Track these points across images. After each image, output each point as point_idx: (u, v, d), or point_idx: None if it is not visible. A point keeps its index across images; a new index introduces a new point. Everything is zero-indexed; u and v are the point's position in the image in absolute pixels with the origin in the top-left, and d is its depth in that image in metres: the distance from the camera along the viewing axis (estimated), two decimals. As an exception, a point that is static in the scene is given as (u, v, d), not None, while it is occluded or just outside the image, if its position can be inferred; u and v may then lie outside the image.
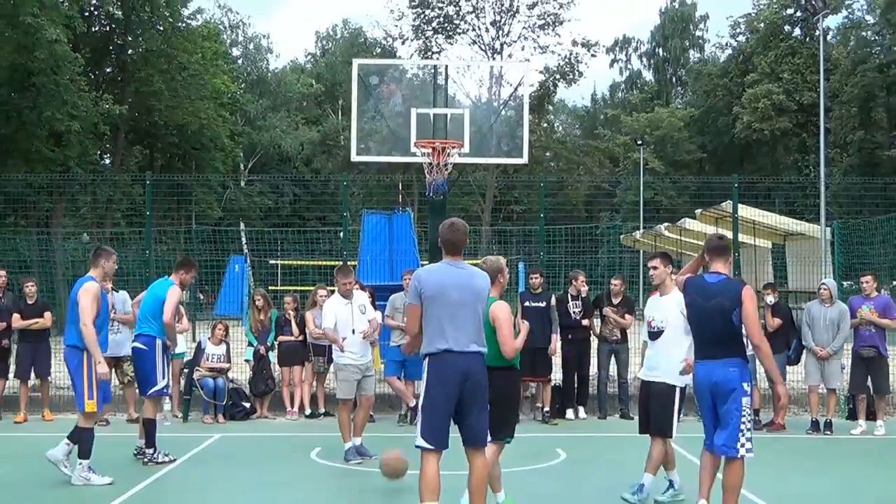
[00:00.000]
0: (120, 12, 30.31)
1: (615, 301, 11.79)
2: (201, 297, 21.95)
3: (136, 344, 8.71)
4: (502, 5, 45.93)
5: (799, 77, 46.96)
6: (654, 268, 7.21)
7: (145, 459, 8.53)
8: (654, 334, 7.15)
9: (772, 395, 11.13)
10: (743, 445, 6.01)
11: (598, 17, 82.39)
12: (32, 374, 11.50)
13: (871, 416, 10.76)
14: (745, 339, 6.25)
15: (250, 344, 12.15)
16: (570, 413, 11.54)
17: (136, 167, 38.10)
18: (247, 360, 12.25)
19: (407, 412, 10.99)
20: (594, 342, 11.97)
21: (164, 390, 8.85)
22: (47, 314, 11.65)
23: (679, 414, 7.06)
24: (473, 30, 46.39)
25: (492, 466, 6.32)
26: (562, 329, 11.19)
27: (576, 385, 11.66)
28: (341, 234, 15.76)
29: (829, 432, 10.47)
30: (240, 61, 55.72)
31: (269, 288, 17.96)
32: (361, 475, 8.18)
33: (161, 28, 31.78)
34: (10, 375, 11.68)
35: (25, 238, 21.39)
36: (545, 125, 54.37)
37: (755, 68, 48.51)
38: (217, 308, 20.63)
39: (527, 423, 10.79)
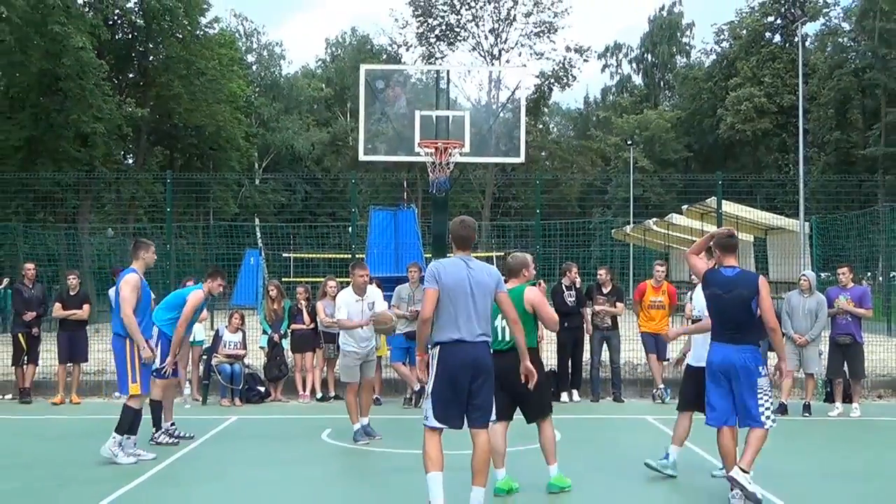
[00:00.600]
0: (142, 21, 30.28)
1: (605, 290, 11.80)
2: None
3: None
4: (500, 14, 45.94)
5: (779, 81, 46.92)
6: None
7: (151, 441, 8.41)
8: (695, 321, 7.36)
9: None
10: (768, 418, 6.25)
11: (590, 24, 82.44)
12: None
13: (848, 399, 10.76)
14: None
15: (265, 332, 12.16)
16: (564, 396, 11.52)
17: (157, 166, 38.11)
18: (261, 347, 12.27)
19: (411, 395, 10.99)
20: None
21: (163, 373, 8.43)
22: (86, 306, 11.73)
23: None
24: (473, 37, 46.42)
25: (499, 444, 6.39)
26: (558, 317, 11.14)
27: (570, 370, 11.66)
28: (350, 228, 15.77)
29: (807, 414, 10.46)
30: (254, 67, 55.58)
31: (283, 279, 17.97)
32: (369, 454, 8.22)
33: (180, 36, 31.71)
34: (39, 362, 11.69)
35: (54, 233, 21.43)
36: (541, 126, 54.37)
37: (738, 73, 48.48)
38: (234, 298, 20.66)
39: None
